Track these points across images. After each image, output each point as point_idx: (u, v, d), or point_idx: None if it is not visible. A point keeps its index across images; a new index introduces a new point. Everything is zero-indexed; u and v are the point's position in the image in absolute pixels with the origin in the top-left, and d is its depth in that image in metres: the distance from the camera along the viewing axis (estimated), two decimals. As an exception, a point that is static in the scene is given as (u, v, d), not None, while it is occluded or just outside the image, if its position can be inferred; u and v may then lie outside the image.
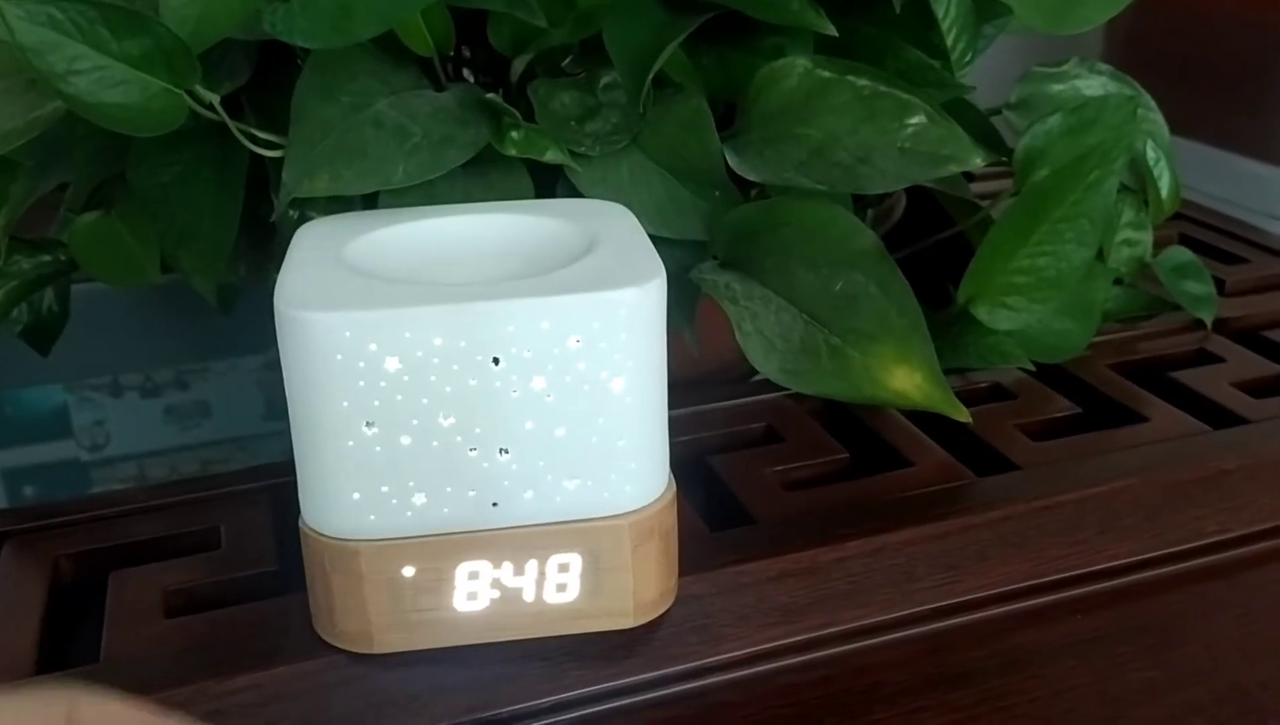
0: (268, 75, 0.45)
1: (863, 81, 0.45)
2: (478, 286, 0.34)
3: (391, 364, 0.33)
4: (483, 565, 0.36)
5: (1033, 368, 0.50)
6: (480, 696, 0.37)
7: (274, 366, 0.75)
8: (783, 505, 0.44)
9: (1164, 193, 0.57)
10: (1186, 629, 0.41)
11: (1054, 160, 0.49)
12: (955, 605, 0.42)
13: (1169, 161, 0.57)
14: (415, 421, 0.33)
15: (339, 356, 0.33)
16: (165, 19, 0.39)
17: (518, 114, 0.43)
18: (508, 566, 0.36)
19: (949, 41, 0.49)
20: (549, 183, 0.45)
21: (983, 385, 0.53)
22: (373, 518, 0.35)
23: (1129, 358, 0.56)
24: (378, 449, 0.34)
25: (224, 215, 0.46)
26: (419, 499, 0.34)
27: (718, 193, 0.45)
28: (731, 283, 0.44)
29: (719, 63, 0.48)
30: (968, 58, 0.50)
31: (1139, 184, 0.57)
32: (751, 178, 0.45)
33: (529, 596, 0.36)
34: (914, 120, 0.44)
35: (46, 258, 0.50)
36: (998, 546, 0.43)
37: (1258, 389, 0.53)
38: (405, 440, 0.34)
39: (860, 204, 0.53)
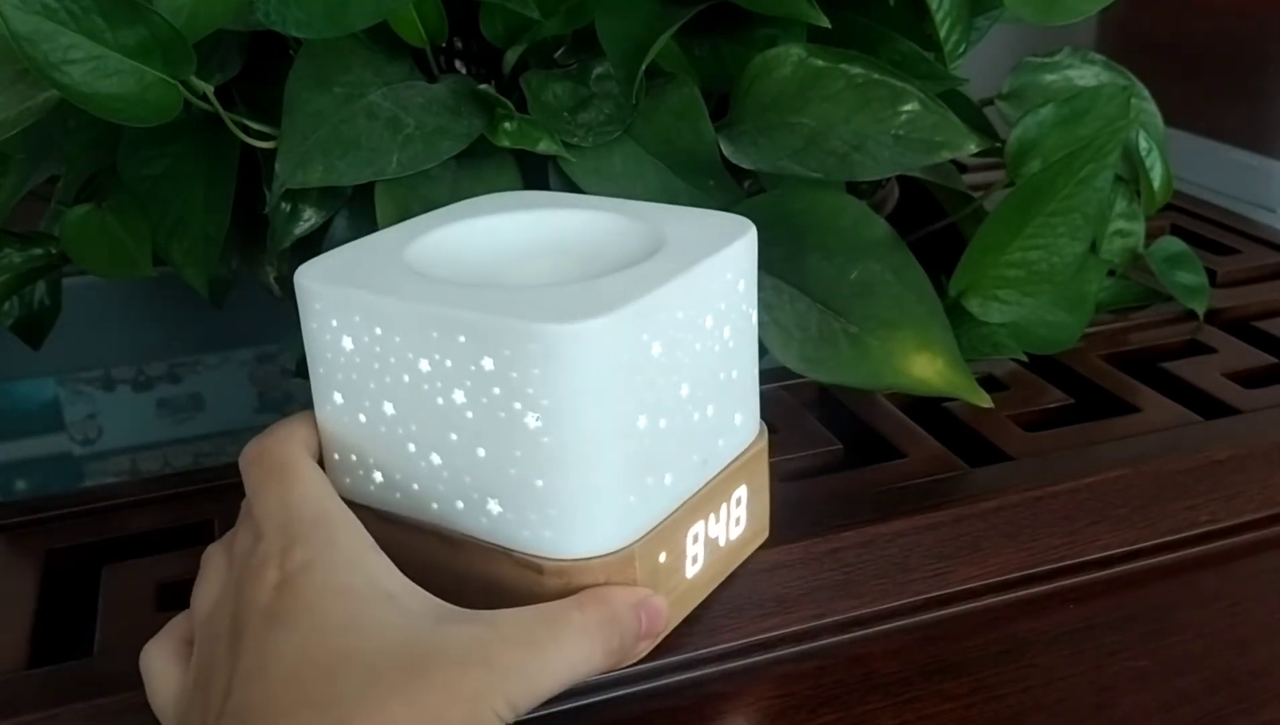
0: (259, 66, 0.45)
1: (856, 70, 0.45)
2: (661, 259, 0.34)
3: (655, 348, 0.32)
4: (699, 525, 0.36)
5: (1025, 359, 0.50)
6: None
7: (266, 359, 0.75)
8: (776, 497, 0.44)
9: (1156, 184, 0.57)
10: (1178, 618, 0.42)
11: (1046, 151, 0.49)
12: (949, 595, 0.42)
13: (1161, 152, 0.57)
14: (669, 401, 0.33)
15: (615, 357, 0.31)
16: (160, 8, 0.39)
17: (510, 105, 0.43)
18: (712, 517, 0.36)
19: (942, 33, 0.49)
20: (539, 173, 0.45)
21: (975, 376, 0.53)
22: (640, 514, 0.33)
23: (1121, 348, 0.57)
24: (649, 441, 0.33)
25: (215, 207, 0.45)
26: (668, 478, 0.34)
27: (712, 182, 0.45)
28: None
29: (712, 54, 0.48)
30: (961, 49, 0.50)
31: (1131, 174, 0.57)
32: (746, 166, 0.45)
33: (722, 540, 0.37)
34: (907, 108, 0.44)
35: (38, 251, 0.50)
36: (990, 537, 0.43)
37: (1249, 379, 0.53)
38: (663, 423, 0.33)
39: (853, 194, 0.52)
